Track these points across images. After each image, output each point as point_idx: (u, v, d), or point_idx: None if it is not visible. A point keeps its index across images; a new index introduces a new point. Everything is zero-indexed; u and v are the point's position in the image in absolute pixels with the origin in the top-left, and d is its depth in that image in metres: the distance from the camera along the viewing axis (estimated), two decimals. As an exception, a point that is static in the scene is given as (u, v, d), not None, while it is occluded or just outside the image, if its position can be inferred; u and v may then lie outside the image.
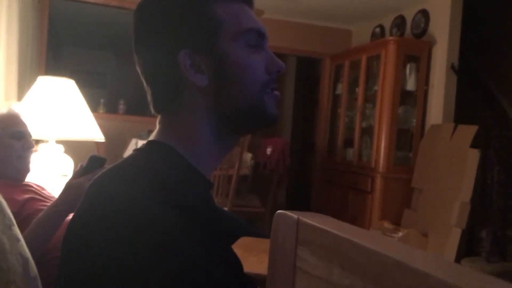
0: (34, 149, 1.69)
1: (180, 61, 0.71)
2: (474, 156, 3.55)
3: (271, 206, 4.04)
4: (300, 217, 0.32)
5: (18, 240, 0.97)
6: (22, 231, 1.04)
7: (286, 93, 6.75)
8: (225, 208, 3.53)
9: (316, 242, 0.30)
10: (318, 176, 5.49)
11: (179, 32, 0.72)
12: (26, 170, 1.65)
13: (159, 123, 0.77)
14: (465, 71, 4.16)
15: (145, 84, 0.77)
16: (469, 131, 3.68)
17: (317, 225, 0.30)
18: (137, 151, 0.75)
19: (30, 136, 1.69)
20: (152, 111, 0.78)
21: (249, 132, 0.88)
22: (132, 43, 0.77)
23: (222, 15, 0.72)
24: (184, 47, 0.72)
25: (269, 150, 4.27)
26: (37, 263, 1.03)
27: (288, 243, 0.32)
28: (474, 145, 3.60)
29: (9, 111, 1.66)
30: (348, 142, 4.90)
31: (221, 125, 0.74)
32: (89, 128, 2.39)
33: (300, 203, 6.56)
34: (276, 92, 0.76)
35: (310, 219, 0.32)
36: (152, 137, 0.77)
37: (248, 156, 4.21)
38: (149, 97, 0.77)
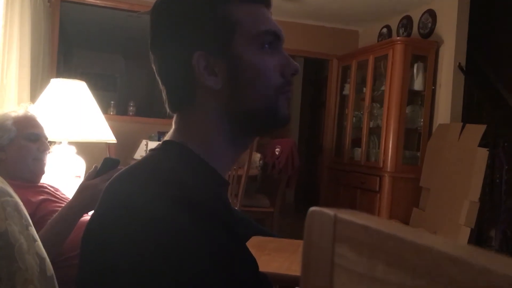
0: (48, 150, 1.69)
1: (194, 63, 0.70)
2: (482, 155, 3.54)
3: (280, 206, 4.06)
4: (338, 214, 0.31)
5: (35, 240, 0.98)
6: (37, 231, 1.05)
7: (293, 94, 6.75)
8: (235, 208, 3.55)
9: (356, 239, 0.29)
10: (326, 176, 5.50)
11: (194, 33, 0.71)
12: (41, 172, 1.65)
13: (174, 123, 0.77)
14: (472, 70, 4.15)
15: (160, 83, 0.77)
16: (477, 130, 3.67)
17: (358, 221, 0.29)
18: (152, 151, 0.75)
19: (46, 138, 1.69)
20: (167, 110, 0.78)
21: (262, 134, 0.86)
22: (148, 42, 0.76)
23: (238, 17, 0.71)
24: (199, 49, 0.71)
25: (277, 151, 4.27)
26: (52, 263, 1.04)
27: (324, 240, 0.31)
28: (482, 144, 3.60)
29: (26, 113, 1.65)
30: (356, 142, 4.91)
31: (234, 126, 0.74)
32: (100, 130, 2.41)
33: (308, 203, 6.55)
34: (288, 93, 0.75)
35: (347, 216, 0.31)
36: (167, 137, 0.76)
37: (257, 156, 4.22)
38: (164, 96, 0.77)
